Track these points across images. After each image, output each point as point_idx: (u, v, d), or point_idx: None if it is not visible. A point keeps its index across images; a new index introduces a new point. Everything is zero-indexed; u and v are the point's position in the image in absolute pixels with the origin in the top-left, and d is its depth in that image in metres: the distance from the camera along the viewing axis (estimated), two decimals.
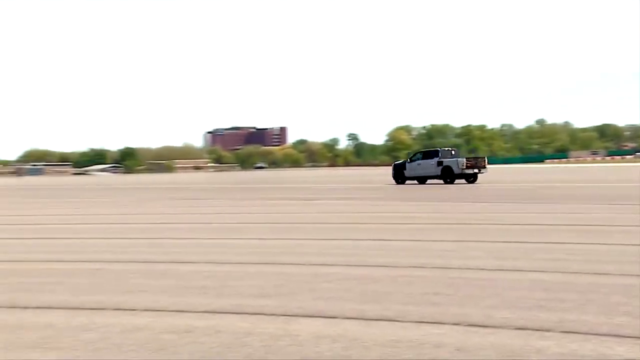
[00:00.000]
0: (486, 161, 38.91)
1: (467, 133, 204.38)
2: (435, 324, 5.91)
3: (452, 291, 7.26)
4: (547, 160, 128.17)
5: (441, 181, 36.75)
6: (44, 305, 7.01)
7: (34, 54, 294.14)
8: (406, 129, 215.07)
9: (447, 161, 36.63)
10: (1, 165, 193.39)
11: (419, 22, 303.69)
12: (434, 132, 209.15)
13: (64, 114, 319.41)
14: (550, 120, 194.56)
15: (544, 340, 5.34)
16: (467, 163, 36.59)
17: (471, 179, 36.83)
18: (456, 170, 36.18)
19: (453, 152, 39.19)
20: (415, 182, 37.87)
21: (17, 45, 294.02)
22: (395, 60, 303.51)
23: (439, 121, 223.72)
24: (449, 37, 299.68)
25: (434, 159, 37.30)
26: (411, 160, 38.89)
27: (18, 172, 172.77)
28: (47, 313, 6.67)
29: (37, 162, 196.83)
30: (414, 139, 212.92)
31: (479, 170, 37.01)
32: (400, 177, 38.55)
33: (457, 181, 36.07)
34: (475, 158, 40.57)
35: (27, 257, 10.79)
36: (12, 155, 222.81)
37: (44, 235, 14.35)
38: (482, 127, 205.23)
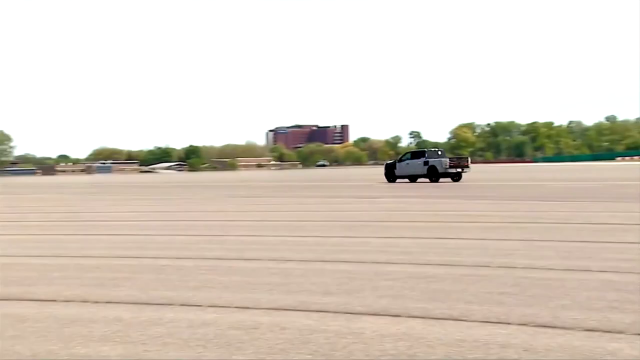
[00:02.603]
0: (469, 161, 40.52)
1: (533, 130, 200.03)
2: (501, 324, 5.82)
3: (518, 291, 7.12)
4: (619, 158, 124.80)
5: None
6: (114, 300, 7.19)
7: (104, 55, 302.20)
8: (469, 126, 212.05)
9: (432, 161, 37.95)
10: (71, 164, 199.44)
11: (485, 16, 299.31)
12: (498, 129, 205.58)
13: (132, 113, 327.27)
14: (621, 117, 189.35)
15: (616, 342, 5.19)
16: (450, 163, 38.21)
17: (455, 177, 38.16)
18: (440, 170, 37.55)
19: (439, 153, 40.52)
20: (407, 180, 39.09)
21: (86, 46, 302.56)
22: (459, 56, 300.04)
23: (504, 118, 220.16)
24: (514, 30, 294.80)
25: (420, 159, 38.71)
26: (401, 160, 40.18)
27: (88, 170, 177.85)
28: (116, 307, 6.83)
29: (105, 160, 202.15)
30: (477, 136, 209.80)
31: (462, 170, 38.57)
32: (391, 175, 39.86)
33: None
34: (458, 158, 43.02)
35: (97, 252, 11.07)
36: (82, 153, 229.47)
37: (112, 231, 14.72)
38: (549, 125, 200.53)
